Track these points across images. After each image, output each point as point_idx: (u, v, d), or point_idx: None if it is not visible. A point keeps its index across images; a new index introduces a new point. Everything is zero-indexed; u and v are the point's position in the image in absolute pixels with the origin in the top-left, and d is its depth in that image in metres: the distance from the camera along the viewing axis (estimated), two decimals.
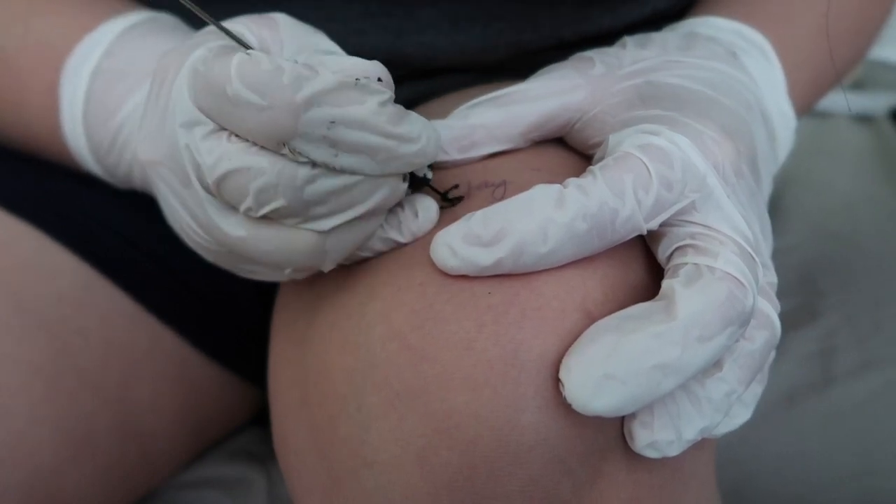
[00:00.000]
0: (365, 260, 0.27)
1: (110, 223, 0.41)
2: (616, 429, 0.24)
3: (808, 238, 0.60)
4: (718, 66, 0.29)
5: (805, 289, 0.56)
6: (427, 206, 0.26)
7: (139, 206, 0.37)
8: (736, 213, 0.25)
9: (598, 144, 0.28)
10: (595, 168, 0.24)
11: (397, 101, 0.23)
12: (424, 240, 0.26)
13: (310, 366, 0.27)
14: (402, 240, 0.26)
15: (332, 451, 0.25)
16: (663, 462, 0.26)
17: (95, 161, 0.33)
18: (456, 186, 0.28)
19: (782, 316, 0.26)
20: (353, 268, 0.27)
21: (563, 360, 0.23)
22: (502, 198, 0.26)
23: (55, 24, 0.34)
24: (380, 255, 0.26)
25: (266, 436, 0.50)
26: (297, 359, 0.28)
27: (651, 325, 0.22)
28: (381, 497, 0.24)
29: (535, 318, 0.23)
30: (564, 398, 0.22)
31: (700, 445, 0.27)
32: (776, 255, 0.28)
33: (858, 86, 0.79)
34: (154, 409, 0.41)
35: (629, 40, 0.30)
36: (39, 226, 0.39)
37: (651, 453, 0.24)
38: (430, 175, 0.26)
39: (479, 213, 0.24)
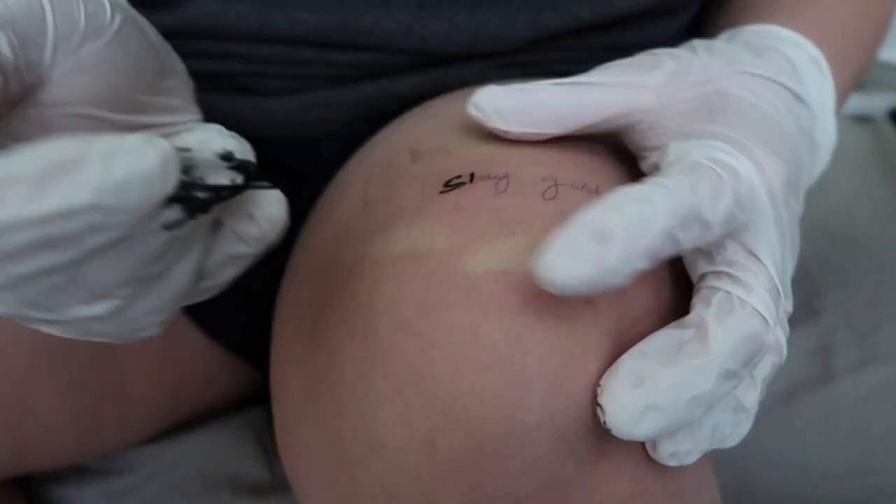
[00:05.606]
0: (367, 259, 0.27)
1: None
2: None
3: (806, 237, 0.59)
4: (783, 83, 0.29)
5: (804, 287, 0.56)
6: (265, 204, 0.24)
7: None
8: (777, 245, 0.25)
9: (654, 148, 0.28)
10: (672, 169, 0.24)
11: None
12: (433, 233, 0.26)
13: (317, 359, 0.27)
14: (251, 251, 0.24)
15: (340, 441, 0.26)
16: None
17: None
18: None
19: None
20: (357, 266, 0.27)
21: (603, 386, 0.23)
22: (504, 191, 0.27)
23: None
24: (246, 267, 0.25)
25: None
26: (301, 354, 0.28)
27: (687, 358, 0.23)
28: (389, 481, 0.24)
29: (537, 304, 0.24)
30: (603, 423, 0.23)
31: None
32: None
33: (858, 86, 0.79)
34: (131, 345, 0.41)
35: (698, 45, 0.30)
36: None
37: (672, 462, 0.25)
38: (239, 181, 0.22)
39: (586, 216, 0.22)
